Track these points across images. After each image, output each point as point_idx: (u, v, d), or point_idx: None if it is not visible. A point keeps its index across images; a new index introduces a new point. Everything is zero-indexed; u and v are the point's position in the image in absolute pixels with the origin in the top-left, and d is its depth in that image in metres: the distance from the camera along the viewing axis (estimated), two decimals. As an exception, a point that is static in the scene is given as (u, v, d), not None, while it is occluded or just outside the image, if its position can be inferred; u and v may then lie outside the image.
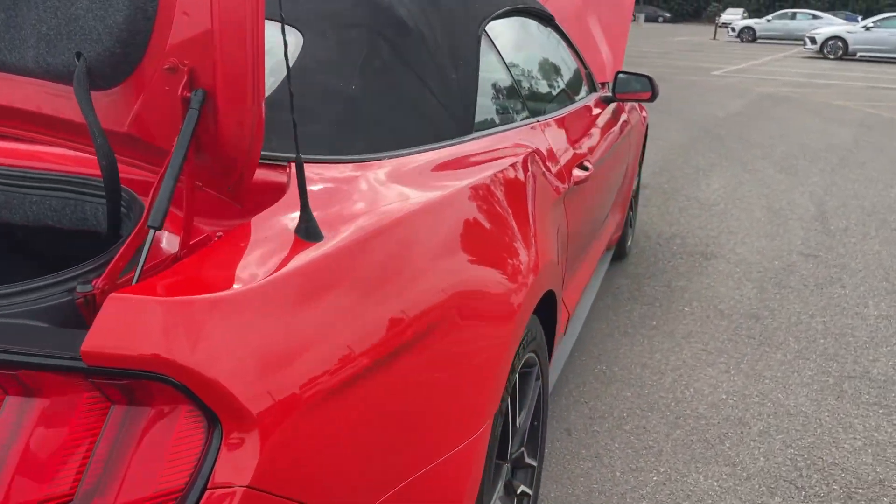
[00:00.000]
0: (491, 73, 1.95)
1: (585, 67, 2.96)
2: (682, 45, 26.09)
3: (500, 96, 1.99)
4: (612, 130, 2.89)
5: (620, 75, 2.87)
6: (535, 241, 1.63)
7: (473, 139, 1.67)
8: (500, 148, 1.72)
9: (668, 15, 54.85)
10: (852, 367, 2.93)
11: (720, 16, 42.50)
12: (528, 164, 1.76)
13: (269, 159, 1.19)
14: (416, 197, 1.28)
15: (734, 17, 43.41)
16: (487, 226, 1.44)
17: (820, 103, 11.15)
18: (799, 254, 4.27)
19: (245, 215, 1.09)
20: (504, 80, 2.01)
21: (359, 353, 0.99)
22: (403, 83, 1.50)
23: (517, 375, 1.57)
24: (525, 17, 2.35)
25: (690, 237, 4.53)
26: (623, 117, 3.22)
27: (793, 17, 29.87)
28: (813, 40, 22.19)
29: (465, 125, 1.67)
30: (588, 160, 2.30)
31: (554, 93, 2.49)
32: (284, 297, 0.92)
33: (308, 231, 1.01)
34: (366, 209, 1.17)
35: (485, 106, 1.84)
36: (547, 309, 1.87)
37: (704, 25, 48.39)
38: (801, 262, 4.14)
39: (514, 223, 1.55)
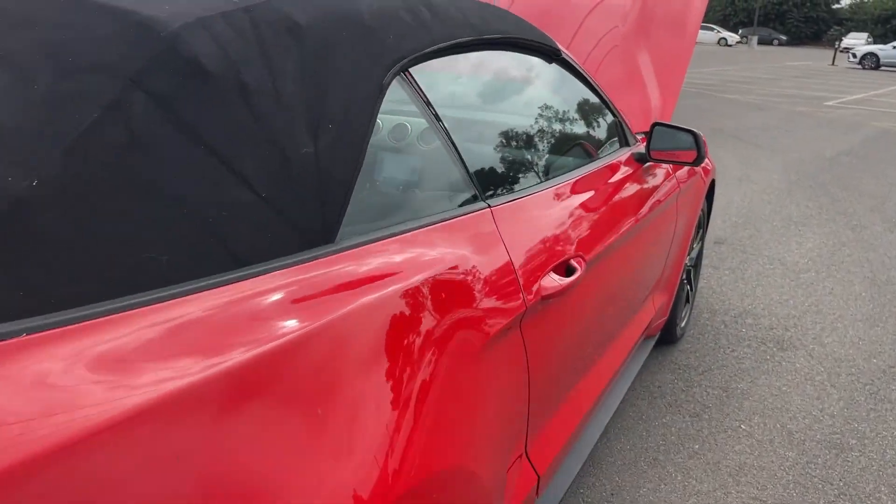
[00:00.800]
0: (407, 143, 1.31)
1: (615, 115, 2.26)
2: (795, 71, 24.39)
3: (423, 173, 1.34)
4: (644, 197, 2.18)
5: (657, 128, 2.15)
6: (398, 447, 0.97)
7: (331, 253, 1.03)
8: (371, 268, 1.07)
9: (784, 38, 52.24)
10: (971, 546, 2.09)
11: (841, 40, 40.02)
12: (421, 295, 1.11)
13: None
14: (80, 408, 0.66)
15: (857, 41, 40.86)
16: (258, 443, 0.79)
17: (949, 144, 9.80)
18: (907, 349, 3.38)
19: None
20: (435, 146, 1.36)
21: None
22: (170, 170, 0.88)
23: None
24: (504, 50, 1.69)
25: (766, 316, 3.69)
26: (668, 174, 2.49)
27: (923, 43, 27.52)
28: (945, 70, 20.22)
29: (320, 229, 1.04)
30: (580, 256, 1.61)
31: (543, 157, 1.82)
32: None
33: None
34: None
35: (378, 192, 1.21)
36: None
37: (823, 50, 45.66)
38: (909, 362, 3.25)
39: (341, 426, 0.90)
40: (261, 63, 1.02)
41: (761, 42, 47.72)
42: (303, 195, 1.02)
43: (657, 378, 3.00)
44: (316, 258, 1.00)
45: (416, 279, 1.11)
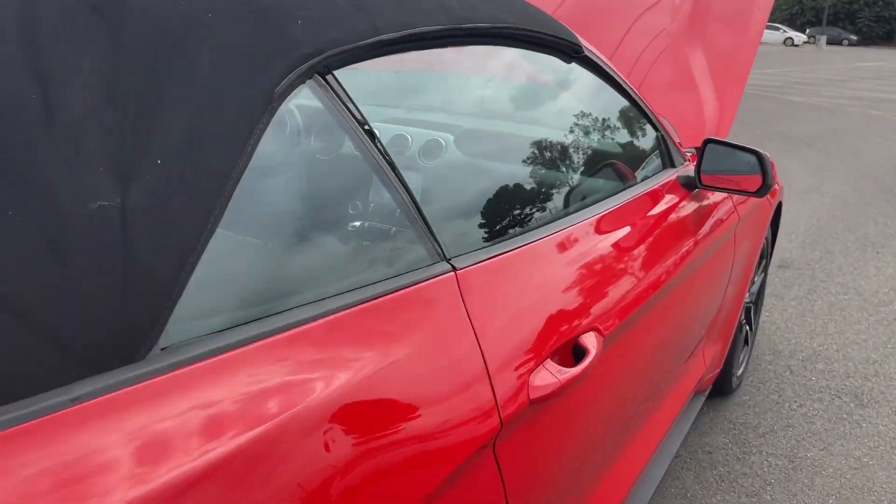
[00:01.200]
0: (317, 182, 0.89)
1: (657, 129, 1.79)
2: (865, 72, 23.11)
3: (345, 221, 0.92)
4: (692, 233, 1.71)
5: (710, 146, 1.68)
6: None
7: (133, 381, 0.62)
8: (211, 400, 0.65)
9: (854, 38, 50.03)
10: None
11: (917, 40, 38.09)
12: (306, 438, 0.68)
13: None
14: None
15: (934, 41, 38.85)
16: None
17: None
18: None
19: None
20: (369, 180, 0.94)
21: None
22: None
23: None
24: (496, 45, 1.24)
25: (840, 360, 3.14)
26: (725, 199, 2.01)
27: None
28: None
29: (119, 339, 0.63)
30: (595, 329, 1.16)
31: (547, 191, 1.37)
32: None
33: None
34: None
35: (253, 261, 0.79)
36: None
37: (896, 50, 43.50)
38: None
39: None
40: (19, 60, 0.61)
41: (830, 42, 45.75)
42: (82, 281, 0.60)
43: (707, 441, 2.50)
44: (91, 397, 0.58)
45: (294, 412, 0.68)
